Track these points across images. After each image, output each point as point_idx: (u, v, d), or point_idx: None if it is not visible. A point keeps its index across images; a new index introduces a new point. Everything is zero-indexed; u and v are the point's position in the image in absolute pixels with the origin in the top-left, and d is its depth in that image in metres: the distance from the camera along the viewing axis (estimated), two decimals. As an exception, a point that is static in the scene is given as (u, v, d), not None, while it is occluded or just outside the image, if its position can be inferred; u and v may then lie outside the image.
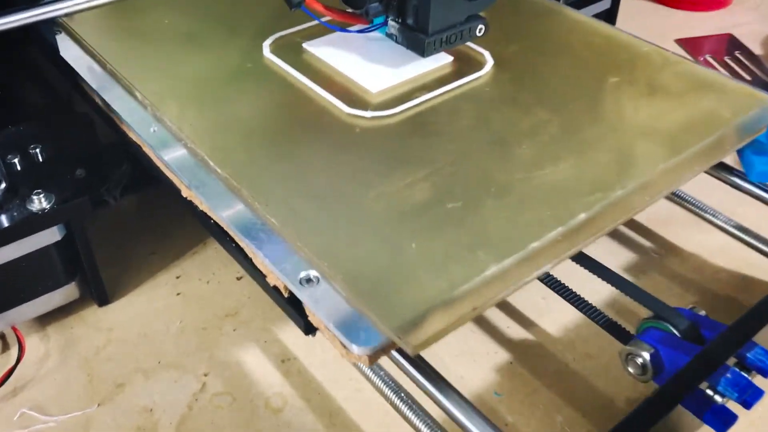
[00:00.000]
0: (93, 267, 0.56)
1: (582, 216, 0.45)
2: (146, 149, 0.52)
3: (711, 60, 0.91)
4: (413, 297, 0.39)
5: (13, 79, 0.61)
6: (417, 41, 0.55)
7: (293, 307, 0.43)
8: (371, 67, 0.57)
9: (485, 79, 0.57)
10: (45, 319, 0.58)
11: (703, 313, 0.49)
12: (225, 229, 0.46)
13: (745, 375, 0.41)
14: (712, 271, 0.62)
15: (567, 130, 0.52)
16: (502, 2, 0.67)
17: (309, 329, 0.42)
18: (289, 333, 0.57)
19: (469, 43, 0.60)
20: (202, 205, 0.48)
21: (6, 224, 0.50)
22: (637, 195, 0.47)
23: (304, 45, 0.60)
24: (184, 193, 0.49)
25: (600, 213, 0.45)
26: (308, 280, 0.41)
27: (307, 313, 0.41)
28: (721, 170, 0.56)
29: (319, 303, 0.40)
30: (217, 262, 0.63)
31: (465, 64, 0.59)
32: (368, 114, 0.53)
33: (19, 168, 0.54)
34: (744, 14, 1.02)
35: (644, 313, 0.49)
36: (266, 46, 0.60)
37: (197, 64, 0.58)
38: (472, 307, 0.39)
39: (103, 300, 0.59)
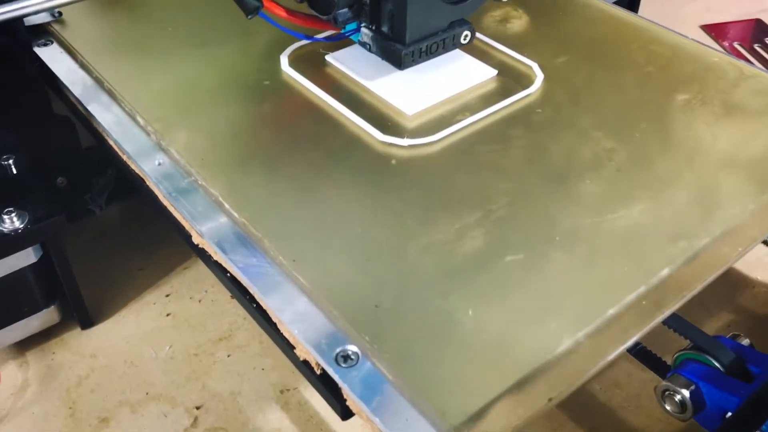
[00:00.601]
0: (74, 289, 0.51)
1: (665, 271, 0.38)
2: (149, 184, 0.46)
3: (739, 47, 0.84)
4: (474, 383, 0.33)
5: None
6: (393, 52, 0.48)
7: (327, 387, 0.36)
8: (405, 83, 0.50)
9: (536, 98, 0.50)
10: (24, 344, 0.53)
11: (746, 342, 0.43)
12: (244, 285, 0.40)
13: None
14: (750, 286, 0.57)
15: (636, 162, 0.45)
16: (546, 2, 0.60)
17: (347, 414, 0.36)
18: (289, 359, 0.51)
19: (515, 54, 0.53)
20: (217, 256, 0.41)
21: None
22: (726, 243, 0.40)
23: (327, 57, 0.53)
24: (195, 240, 0.42)
25: (685, 267, 0.38)
26: (346, 357, 0.35)
27: (345, 397, 0.35)
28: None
29: (360, 387, 0.34)
30: (210, 277, 0.58)
31: (511, 79, 0.52)
32: (405, 142, 0.46)
33: (-10, 181, 0.48)
34: (772, -4, 0.96)
35: (678, 337, 0.43)
36: (284, 58, 0.53)
37: (208, 82, 0.51)
38: (547, 397, 0.32)
39: (86, 323, 0.54)
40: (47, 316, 0.52)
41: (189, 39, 0.56)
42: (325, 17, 0.48)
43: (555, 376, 0.33)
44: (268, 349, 0.53)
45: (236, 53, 0.55)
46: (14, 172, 0.48)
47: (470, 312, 0.36)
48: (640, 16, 0.60)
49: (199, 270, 0.59)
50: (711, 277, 0.38)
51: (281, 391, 0.50)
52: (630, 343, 0.35)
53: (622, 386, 0.50)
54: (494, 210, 0.41)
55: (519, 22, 0.57)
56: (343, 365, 0.35)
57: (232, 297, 0.55)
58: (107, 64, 0.53)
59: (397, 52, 0.48)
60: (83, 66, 0.53)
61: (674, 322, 0.43)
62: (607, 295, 0.37)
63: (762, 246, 0.54)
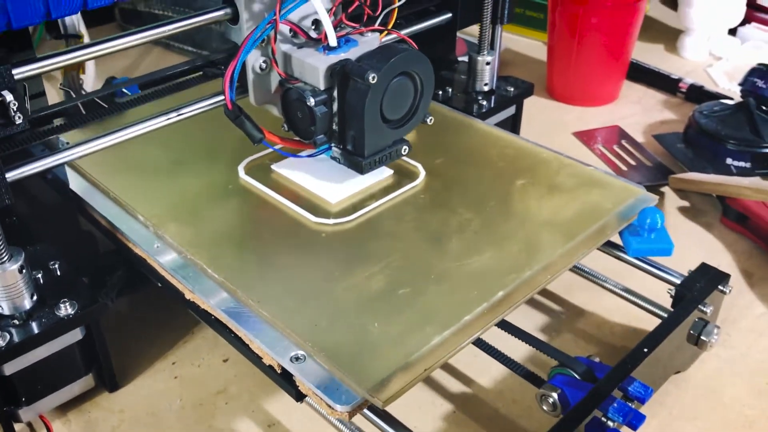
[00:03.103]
0: (107, 359, 0.67)
1: (501, 293, 0.59)
2: (151, 262, 0.64)
3: (602, 149, 1.08)
4: (379, 364, 0.52)
5: (27, 207, 0.72)
6: (356, 163, 0.68)
7: (285, 380, 0.55)
8: (329, 182, 0.71)
9: (420, 188, 0.72)
10: (65, 407, 0.67)
11: (597, 359, 0.63)
12: (224, 322, 0.58)
13: (629, 404, 0.55)
14: (609, 326, 0.76)
15: (486, 226, 0.66)
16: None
17: (299, 396, 0.54)
18: (272, 402, 0.68)
19: (405, 158, 0.75)
20: (204, 305, 0.60)
21: (38, 330, 0.60)
22: (541, 274, 0.61)
23: (273, 166, 0.74)
24: (188, 296, 0.61)
25: (514, 290, 0.59)
26: (297, 358, 0.54)
27: (297, 383, 0.54)
28: (608, 246, 0.71)
29: (307, 375, 0.52)
30: (205, 348, 0.74)
31: (403, 176, 0.73)
32: (331, 221, 0.67)
33: (42, 282, 0.64)
34: (628, 107, 1.21)
35: (554, 363, 0.62)
36: (241, 169, 0.74)
37: (187, 188, 0.71)
38: (423, 368, 0.52)
39: (113, 386, 0.69)
40: (86, 382, 0.66)
41: (169, 158, 0.76)
42: (307, 141, 0.68)
43: (429, 357, 0.53)
44: (255, 397, 0.68)
45: (206, 166, 0.75)
46: (59, 274, 0.65)
47: (376, 325, 0.56)
48: (496, 128, 0.83)
49: (196, 342, 0.75)
50: (530, 295, 0.59)
51: (269, 425, 0.66)
52: (475, 336, 0.55)
53: (518, 402, 0.68)
54: (392, 262, 0.62)
55: (409, 136, 0.79)
56: (295, 363, 0.54)
57: (224, 361, 0.72)
58: (111, 180, 0.72)
59: (359, 162, 0.67)
60: (92, 182, 0.73)
61: (549, 350, 0.62)
62: (463, 309, 0.57)
63: (617, 297, 0.73)
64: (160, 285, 0.65)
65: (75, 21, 0.86)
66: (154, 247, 0.65)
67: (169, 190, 0.71)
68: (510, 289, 0.59)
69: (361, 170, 0.68)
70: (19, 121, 0.57)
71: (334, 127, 0.67)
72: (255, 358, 0.57)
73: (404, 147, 0.71)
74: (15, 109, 0.56)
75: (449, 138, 0.81)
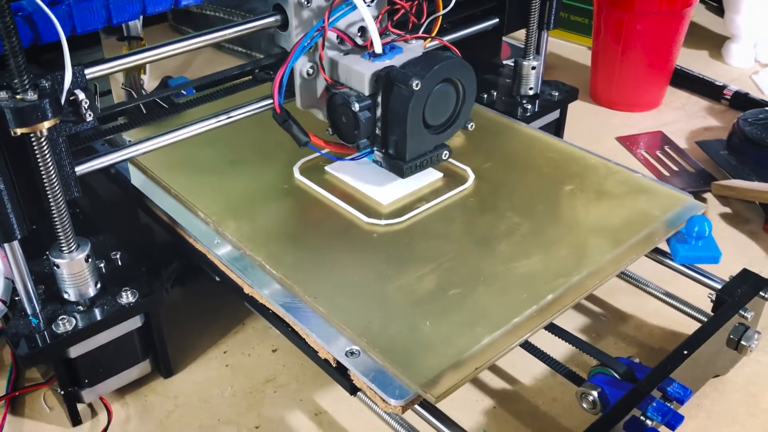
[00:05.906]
0: (163, 346, 0.70)
1: (549, 297, 0.60)
2: (211, 257, 0.67)
3: (646, 154, 1.09)
4: (432, 362, 0.54)
5: (87, 200, 0.76)
6: (397, 166, 0.70)
7: (340, 373, 0.57)
8: (380, 184, 0.73)
9: (469, 191, 0.74)
10: (123, 390, 0.71)
11: (637, 360, 0.64)
12: (281, 316, 0.61)
13: (668, 404, 0.57)
14: (649, 329, 0.77)
15: (535, 231, 0.68)
16: (476, 125, 0.85)
17: (353, 390, 0.57)
18: (319, 392, 0.70)
19: (455, 162, 0.77)
20: (262, 299, 0.62)
21: (101, 316, 0.63)
22: (589, 279, 0.62)
23: (326, 168, 0.76)
24: (247, 290, 0.64)
25: (563, 294, 0.61)
26: (351, 353, 0.56)
27: (352, 377, 0.56)
28: (654, 252, 0.72)
29: (362, 370, 0.55)
30: (255, 338, 0.77)
31: (452, 179, 0.75)
32: (383, 222, 0.69)
33: (104, 271, 0.67)
34: (671, 114, 1.21)
35: (594, 363, 0.63)
36: (296, 169, 0.76)
37: (244, 187, 0.74)
38: (474, 367, 0.54)
39: (168, 373, 0.72)
40: (143, 367, 0.70)
41: (226, 157, 0.79)
42: (350, 144, 0.71)
43: (479, 356, 0.55)
44: (303, 386, 0.71)
45: (261, 166, 0.78)
46: (119, 264, 0.68)
47: (428, 323, 0.58)
48: (542, 132, 0.85)
49: (246, 333, 0.78)
50: (578, 299, 0.61)
51: (315, 414, 0.68)
52: (524, 338, 0.57)
53: (558, 400, 0.69)
54: (442, 263, 0.64)
55: (458, 140, 0.81)
56: (350, 357, 0.56)
57: (273, 351, 0.75)
58: (172, 177, 0.75)
59: (400, 166, 0.69)
60: (154, 179, 0.76)
61: (590, 350, 0.63)
62: (512, 311, 0.59)
63: (657, 301, 0.74)
64: (218, 279, 0.68)
65: (137, 23, 0.90)
66: (214, 243, 0.68)
67: (228, 189, 0.74)
68: (558, 293, 0.61)
69: (402, 174, 0.70)
70: (89, 119, 0.59)
71: (377, 131, 0.69)
72: (311, 352, 0.59)
73: (445, 152, 0.72)
74: (86, 107, 0.59)
75: (496, 142, 0.83)
